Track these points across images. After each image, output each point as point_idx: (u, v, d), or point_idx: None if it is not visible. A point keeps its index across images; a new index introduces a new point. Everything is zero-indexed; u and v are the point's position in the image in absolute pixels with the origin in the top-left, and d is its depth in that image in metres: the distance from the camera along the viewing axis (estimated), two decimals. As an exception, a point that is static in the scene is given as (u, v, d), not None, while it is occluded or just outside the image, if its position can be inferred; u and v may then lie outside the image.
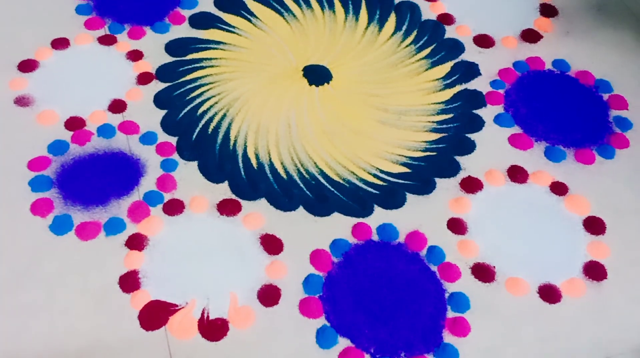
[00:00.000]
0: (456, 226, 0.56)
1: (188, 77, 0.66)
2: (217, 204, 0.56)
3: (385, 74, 0.67)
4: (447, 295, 0.52)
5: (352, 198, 0.58)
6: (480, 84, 0.67)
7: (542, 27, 0.72)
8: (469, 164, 0.61)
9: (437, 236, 0.55)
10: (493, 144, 0.62)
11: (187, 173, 0.58)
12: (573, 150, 0.63)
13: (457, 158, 0.61)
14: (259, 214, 0.56)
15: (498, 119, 0.64)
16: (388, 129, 0.63)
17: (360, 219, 0.56)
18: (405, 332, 0.50)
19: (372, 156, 0.61)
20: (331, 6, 0.73)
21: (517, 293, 0.53)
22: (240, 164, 0.59)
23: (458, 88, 0.67)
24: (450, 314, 0.51)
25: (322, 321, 0.51)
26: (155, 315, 0.50)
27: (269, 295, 0.52)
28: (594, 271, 0.54)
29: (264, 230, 0.55)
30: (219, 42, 0.69)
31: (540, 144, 0.63)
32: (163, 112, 0.63)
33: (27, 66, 0.65)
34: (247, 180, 0.58)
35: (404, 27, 0.71)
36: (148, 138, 0.61)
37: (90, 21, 0.69)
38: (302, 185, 0.58)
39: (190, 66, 0.66)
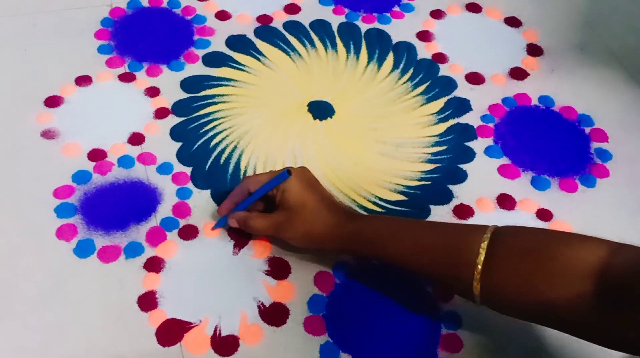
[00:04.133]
0: (449, 249, 0.59)
1: (201, 112, 0.69)
2: (228, 229, 0.59)
3: (384, 109, 0.71)
4: (441, 313, 0.55)
5: (353, 224, 0.61)
6: (471, 119, 0.71)
7: (529, 66, 0.77)
8: (461, 193, 0.64)
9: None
10: (483, 174, 0.66)
11: (201, 200, 0.61)
12: (557, 179, 0.66)
13: (450, 186, 0.65)
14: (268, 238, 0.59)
15: (488, 151, 0.68)
16: (386, 160, 0.67)
17: (361, 244, 0.60)
18: (403, 348, 0.53)
19: (372, 185, 0.64)
20: (334, 46, 0.77)
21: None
22: None
23: (451, 122, 0.70)
24: (444, 331, 0.54)
25: (325, 338, 0.53)
26: (171, 332, 0.53)
27: (276, 314, 0.54)
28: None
29: (273, 253, 0.58)
30: (230, 80, 0.73)
31: (527, 174, 0.66)
32: (178, 144, 0.66)
33: (53, 101, 0.68)
34: (256, 207, 0.62)
35: (401, 66, 0.75)
36: (164, 168, 0.64)
37: (111, 60, 0.73)
38: None
39: (203, 102, 0.70)
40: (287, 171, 0.55)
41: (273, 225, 0.55)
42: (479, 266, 0.46)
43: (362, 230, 0.53)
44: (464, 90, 0.74)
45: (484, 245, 0.46)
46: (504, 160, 0.67)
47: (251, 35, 0.77)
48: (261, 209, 0.59)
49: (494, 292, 0.46)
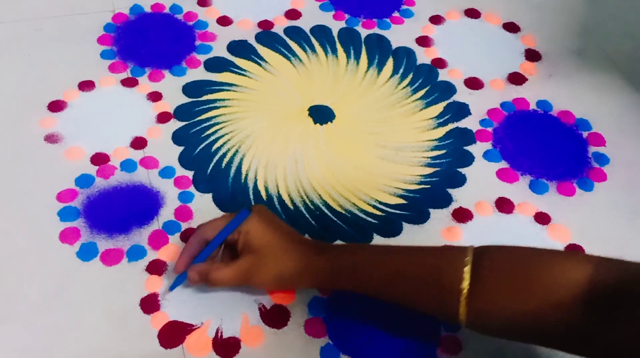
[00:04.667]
0: (448, 252, 0.60)
1: (203, 116, 0.70)
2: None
3: (383, 113, 0.72)
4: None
5: (353, 227, 0.62)
6: (470, 123, 0.72)
7: (527, 71, 0.77)
8: (460, 196, 0.65)
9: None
10: (482, 178, 0.67)
11: (203, 204, 0.62)
12: (555, 183, 0.67)
13: (450, 190, 0.66)
14: (269, 241, 0.60)
15: (487, 155, 0.69)
16: (386, 164, 0.67)
17: (361, 247, 0.60)
18: (402, 350, 0.54)
19: (372, 189, 0.65)
20: (334, 51, 0.78)
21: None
22: (251, 196, 0.63)
23: (450, 126, 0.71)
24: (443, 333, 0.55)
25: (325, 340, 0.54)
26: (174, 334, 0.53)
27: (277, 316, 0.55)
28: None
29: (274, 256, 0.59)
30: (231, 84, 0.73)
31: (525, 177, 0.67)
32: (180, 148, 0.67)
33: (56, 106, 0.69)
34: (258, 211, 0.63)
35: (401, 71, 0.76)
36: (167, 172, 0.64)
37: (114, 65, 0.73)
38: (307, 215, 0.62)
39: (205, 106, 0.71)
40: (247, 208, 0.51)
41: (239, 273, 0.51)
42: (465, 291, 0.45)
43: (335, 264, 0.51)
44: (463, 95, 0.74)
45: (467, 268, 0.45)
46: (503, 164, 0.68)
47: (252, 41, 0.78)
48: (219, 259, 0.55)
49: (480, 316, 0.45)
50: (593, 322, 0.41)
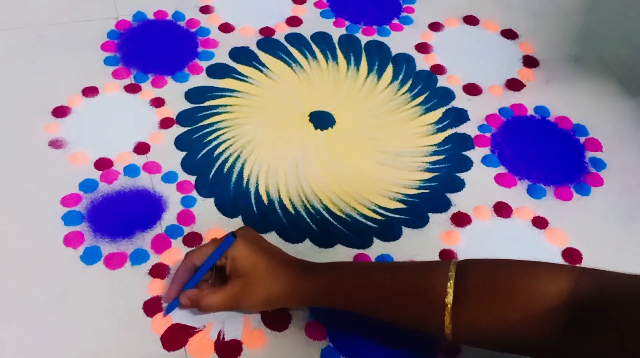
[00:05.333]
0: (447, 256, 0.61)
1: (205, 122, 0.71)
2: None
3: (383, 119, 0.73)
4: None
5: (353, 231, 0.62)
6: (469, 128, 0.72)
7: (525, 77, 0.78)
8: (458, 201, 0.66)
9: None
10: (480, 183, 0.67)
11: (205, 208, 0.63)
12: (553, 188, 0.67)
13: (448, 195, 0.66)
14: (270, 245, 0.60)
15: (485, 160, 0.69)
16: (386, 169, 0.68)
17: (361, 251, 0.61)
18: (402, 352, 0.54)
19: (372, 193, 0.66)
20: (334, 58, 0.79)
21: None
22: (253, 201, 0.64)
23: (449, 132, 0.72)
24: None
25: (326, 342, 0.55)
26: (176, 337, 0.54)
27: (278, 319, 0.56)
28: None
29: (275, 259, 0.60)
30: (233, 91, 0.74)
31: (523, 182, 0.68)
32: (183, 153, 0.67)
33: (61, 112, 0.70)
34: (259, 215, 0.63)
35: (400, 77, 0.77)
36: (169, 177, 0.65)
37: (117, 71, 0.74)
38: (308, 219, 0.63)
39: (207, 112, 0.72)
40: (232, 235, 0.52)
41: (229, 298, 0.52)
42: (449, 306, 0.45)
43: (321, 284, 0.51)
44: (461, 100, 0.75)
45: (451, 283, 0.45)
46: (501, 169, 0.69)
47: (254, 47, 0.79)
48: (212, 282, 0.55)
49: (465, 329, 0.46)
50: (573, 334, 0.42)
